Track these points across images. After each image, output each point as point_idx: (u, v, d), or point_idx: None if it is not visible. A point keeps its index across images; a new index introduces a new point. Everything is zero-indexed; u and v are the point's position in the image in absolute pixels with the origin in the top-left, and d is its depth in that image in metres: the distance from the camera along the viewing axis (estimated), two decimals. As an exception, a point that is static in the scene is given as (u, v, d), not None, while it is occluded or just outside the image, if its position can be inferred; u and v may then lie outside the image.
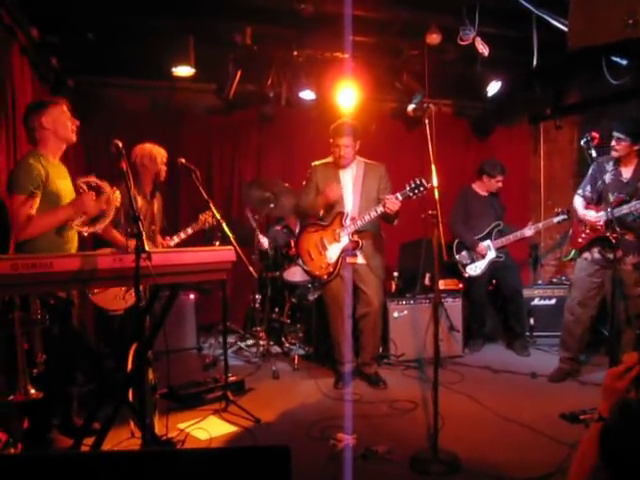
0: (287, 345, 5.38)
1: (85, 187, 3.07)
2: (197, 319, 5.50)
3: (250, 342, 5.58)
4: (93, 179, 3.13)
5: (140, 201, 4.07)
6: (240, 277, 5.83)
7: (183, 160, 3.81)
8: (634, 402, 1.49)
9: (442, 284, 5.27)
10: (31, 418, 3.01)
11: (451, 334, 5.16)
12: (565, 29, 3.38)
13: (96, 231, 3.17)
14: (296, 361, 4.87)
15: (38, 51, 4.28)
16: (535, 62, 4.46)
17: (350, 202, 4.33)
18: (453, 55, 5.46)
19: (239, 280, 6.01)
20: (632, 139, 4.06)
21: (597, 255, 4.27)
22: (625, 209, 3.99)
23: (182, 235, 4.38)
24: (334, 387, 4.36)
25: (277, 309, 5.59)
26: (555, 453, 3.10)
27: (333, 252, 4.31)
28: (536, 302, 5.70)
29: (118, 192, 3.19)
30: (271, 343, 5.34)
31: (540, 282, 6.51)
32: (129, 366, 3.01)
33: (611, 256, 4.05)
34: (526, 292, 5.65)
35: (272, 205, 5.26)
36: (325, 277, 4.34)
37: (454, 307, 5.22)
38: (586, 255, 4.34)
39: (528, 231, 5.29)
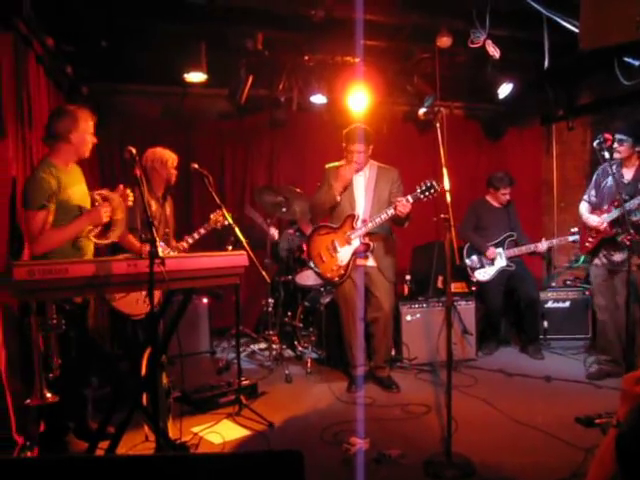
0: (300, 349, 5.39)
1: (100, 199, 3.12)
2: (210, 323, 5.53)
3: (263, 346, 5.60)
4: (106, 192, 3.19)
5: (154, 205, 4.11)
6: (253, 281, 5.86)
7: (196, 165, 3.84)
8: None
9: (455, 287, 5.26)
10: (47, 422, 3.04)
11: (464, 337, 5.14)
12: (576, 30, 3.37)
13: (111, 241, 3.23)
14: (309, 365, 4.88)
15: (53, 60, 4.33)
16: (547, 63, 4.44)
17: (362, 205, 4.33)
18: (464, 58, 5.46)
19: (252, 284, 6.03)
20: (633, 141, 4.16)
21: (604, 259, 4.40)
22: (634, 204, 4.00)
23: (195, 236, 4.37)
24: (347, 391, 4.36)
25: (290, 313, 5.60)
26: (570, 458, 3.07)
27: (344, 254, 4.31)
28: (550, 305, 5.66)
29: (130, 191, 3.23)
30: (284, 347, 5.35)
31: (554, 285, 6.46)
32: (143, 370, 3.04)
33: (616, 259, 4.19)
34: (540, 295, 5.61)
35: (284, 209, 5.28)
36: (336, 279, 4.35)
37: (467, 310, 5.19)
38: (596, 261, 4.47)
39: (541, 246, 5.26)
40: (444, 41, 4.92)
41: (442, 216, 3.16)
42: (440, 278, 5.48)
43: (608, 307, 4.48)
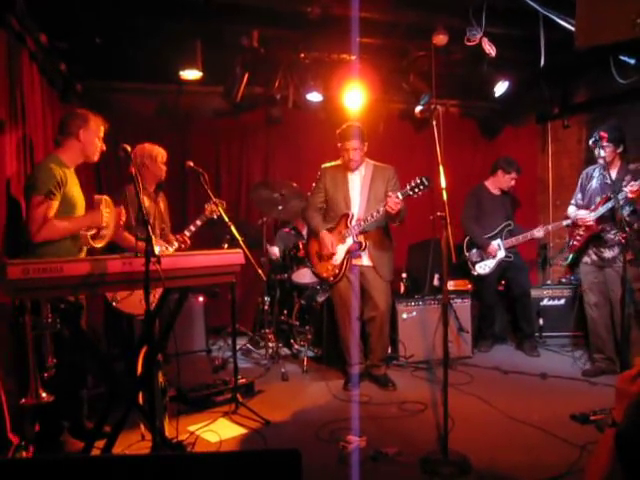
0: (296, 347, 5.39)
1: (104, 202, 3.14)
2: (206, 322, 5.52)
3: (259, 344, 5.59)
4: (105, 197, 3.20)
5: (146, 201, 4.09)
6: (249, 279, 5.85)
7: (191, 163, 3.82)
8: None
9: (451, 285, 5.27)
10: (42, 421, 3.03)
11: (460, 335, 5.15)
12: (572, 28, 3.36)
13: (100, 247, 3.25)
14: (305, 363, 4.88)
15: (47, 57, 4.30)
16: (542, 62, 4.44)
17: (357, 204, 4.33)
18: (460, 56, 5.45)
19: (248, 282, 6.02)
20: (615, 144, 4.28)
21: (594, 257, 4.48)
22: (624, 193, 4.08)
23: (192, 228, 4.30)
24: (343, 389, 4.36)
25: (286, 311, 5.60)
26: (566, 454, 3.09)
27: (339, 254, 4.31)
28: (545, 302, 5.68)
29: (123, 212, 3.28)
30: (280, 345, 5.35)
31: (549, 282, 6.48)
32: (139, 369, 3.03)
33: (607, 255, 4.26)
34: (535, 292, 5.63)
35: (280, 207, 5.27)
36: (331, 279, 4.35)
37: (463, 308, 5.21)
38: (585, 259, 4.56)
39: (537, 232, 5.28)
40: (440, 39, 4.92)
41: (438, 214, 3.16)
42: (436, 276, 5.48)
43: (599, 304, 4.54)
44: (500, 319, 5.78)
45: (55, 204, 3.03)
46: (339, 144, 4.36)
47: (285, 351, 5.45)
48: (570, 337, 5.53)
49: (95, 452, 2.84)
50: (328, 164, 4.48)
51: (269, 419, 3.68)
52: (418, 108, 6.13)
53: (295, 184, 5.34)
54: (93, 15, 4.44)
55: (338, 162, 4.44)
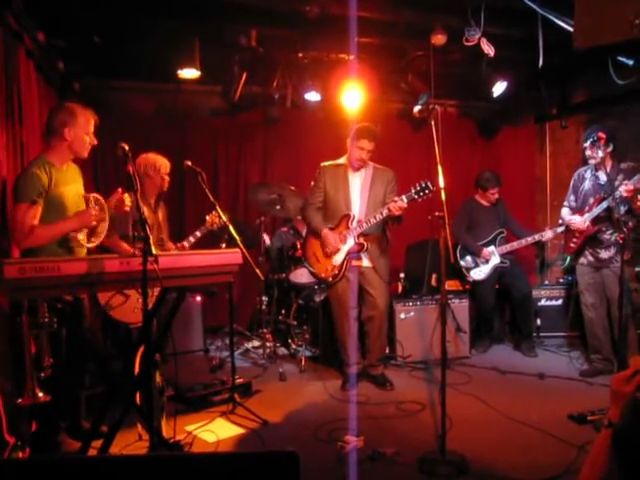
0: (294, 347, 5.38)
1: (93, 201, 3.08)
2: (204, 321, 5.51)
3: (257, 344, 5.59)
4: (96, 195, 3.14)
5: (146, 211, 4.09)
6: (247, 279, 5.85)
7: (189, 163, 3.81)
8: None
9: (448, 285, 5.26)
10: (39, 421, 3.02)
11: (458, 335, 5.15)
12: (571, 29, 3.37)
13: (97, 244, 3.20)
14: (303, 363, 4.87)
15: (44, 55, 4.29)
16: (541, 62, 4.44)
17: (357, 205, 4.32)
18: (458, 56, 5.45)
19: (246, 282, 6.02)
20: (606, 143, 4.28)
21: (590, 257, 4.50)
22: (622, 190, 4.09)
23: (191, 239, 4.37)
24: (341, 389, 4.35)
25: (283, 311, 5.59)
26: (563, 454, 3.09)
27: (339, 254, 4.31)
28: (543, 303, 5.68)
29: (127, 196, 3.21)
30: (278, 345, 5.34)
31: (547, 283, 6.48)
32: (136, 369, 3.02)
33: (603, 256, 4.30)
34: (533, 293, 5.62)
35: (278, 207, 5.26)
36: (330, 279, 4.35)
37: (461, 308, 5.21)
38: (582, 260, 4.58)
39: (547, 235, 5.24)
40: (439, 39, 4.92)
41: (437, 214, 3.15)
42: (434, 276, 5.48)
43: (595, 305, 4.55)
44: (498, 319, 5.78)
45: (39, 210, 2.96)
46: (350, 140, 4.31)
47: (283, 351, 5.44)
48: (568, 337, 5.53)
49: (92, 452, 2.84)
50: (327, 163, 4.46)
51: (267, 419, 3.67)
52: (416, 108, 6.14)
53: (292, 187, 5.33)
54: (91, 13, 4.43)
55: (338, 161, 4.43)
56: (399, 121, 6.85)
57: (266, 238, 5.57)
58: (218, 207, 3.82)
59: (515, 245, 5.34)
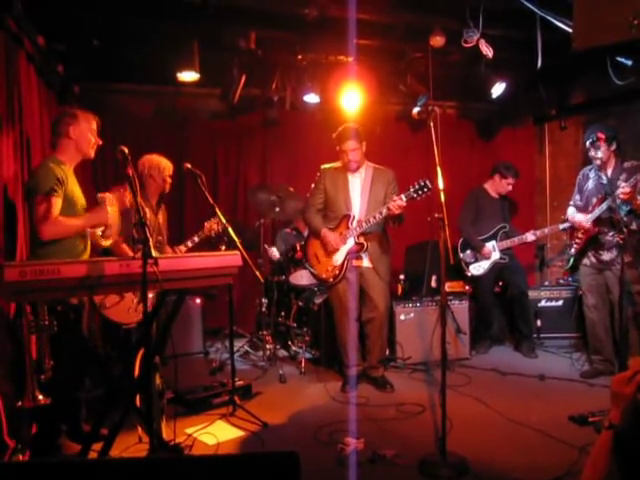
0: (294, 349, 5.37)
1: (107, 200, 3.13)
2: (204, 323, 5.51)
3: (257, 346, 5.58)
4: (108, 194, 3.20)
5: (148, 213, 4.11)
6: (247, 281, 5.85)
7: (189, 165, 3.82)
8: None
9: (448, 286, 5.26)
10: (39, 424, 3.02)
11: (458, 336, 5.15)
12: (569, 30, 3.37)
13: (112, 242, 3.30)
14: (303, 365, 4.87)
15: (44, 59, 4.29)
16: (539, 63, 4.44)
17: (358, 206, 4.33)
18: (457, 57, 5.46)
19: (246, 284, 6.01)
20: (608, 142, 4.28)
21: (593, 259, 4.50)
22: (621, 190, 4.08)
23: (189, 244, 4.42)
24: (341, 391, 4.35)
25: (283, 313, 5.59)
26: (564, 456, 3.08)
27: (339, 255, 4.31)
28: (543, 304, 5.68)
29: (128, 192, 3.20)
30: (278, 347, 5.34)
31: (547, 283, 6.48)
32: (136, 372, 3.01)
33: (605, 258, 4.31)
34: (533, 294, 5.63)
35: (277, 209, 5.26)
36: (331, 280, 4.35)
37: (461, 309, 5.21)
38: (585, 261, 4.57)
39: (530, 236, 5.30)
40: (437, 40, 4.92)
41: (436, 215, 3.15)
42: (434, 277, 5.48)
43: (597, 306, 4.55)
44: (498, 320, 5.78)
45: (59, 201, 3.03)
46: (337, 147, 4.36)
47: (283, 353, 5.44)
48: (568, 338, 5.53)
49: (92, 455, 2.83)
50: (327, 165, 4.47)
51: (267, 421, 3.66)
52: (415, 109, 6.14)
53: (291, 188, 5.34)
54: (91, 17, 4.44)
55: (338, 164, 4.44)
56: (398, 123, 6.85)
57: (275, 251, 5.58)
58: (217, 210, 3.81)
59: (516, 241, 5.34)
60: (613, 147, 4.33)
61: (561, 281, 6.16)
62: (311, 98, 5.86)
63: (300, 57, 5.46)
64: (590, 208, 4.44)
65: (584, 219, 4.44)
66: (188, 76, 5.07)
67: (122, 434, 3.00)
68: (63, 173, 3.09)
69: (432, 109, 3.48)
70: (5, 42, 3.43)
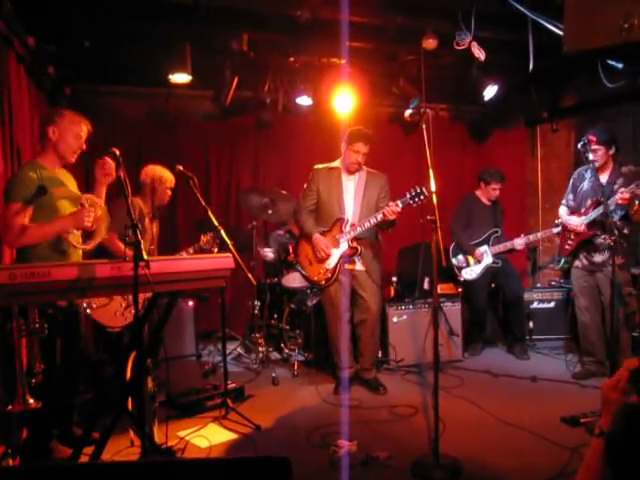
0: (286, 351, 5.36)
1: (87, 203, 3.04)
2: (196, 326, 5.48)
3: (249, 349, 5.56)
4: (92, 197, 3.10)
5: (146, 218, 4.11)
6: (239, 283, 5.83)
7: (181, 167, 3.82)
8: (638, 405, 1.49)
9: (441, 288, 5.27)
10: (30, 428, 2.99)
11: (451, 338, 5.16)
12: (561, 33, 3.39)
13: (91, 248, 3.17)
14: (295, 367, 4.86)
15: (35, 60, 4.27)
16: (531, 66, 4.46)
17: (351, 209, 4.33)
18: (449, 60, 5.47)
19: (238, 286, 6.00)
20: (607, 146, 4.28)
21: (584, 261, 4.51)
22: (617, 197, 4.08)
23: (184, 255, 4.38)
24: (334, 393, 4.34)
25: (276, 315, 5.58)
26: (556, 457, 3.09)
27: (332, 258, 4.31)
28: (535, 305, 5.70)
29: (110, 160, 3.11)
30: (270, 349, 5.33)
31: (539, 285, 6.51)
32: (128, 374, 3.00)
33: (597, 260, 4.31)
34: (525, 295, 5.64)
35: (270, 211, 5.25)
36: (323, 283, 4.34)
37: (453, 311, 5.21)
38: (577, 263, 4.58)
39: (518, 244, 5.30)
40: (429, 43, 4.94)
41: (428, 218, 3.16)
42: (426, 279, 5.49)
43: (589, 308, 4.56)
44: (490, 322, 5.79)
45: (29, 210, 2.92)
46: (345, 145, 4.32)
47: (275, 355, 5.43)
48: (560, 340, 5.55)
49: (84, 459, 2.82)
50: (320, 165, 4.47)
51: (259, 424, 3.65)
52: (408, 112, 6.17)
53: (284, 191, 5.33)
54: (82, 18, 4.42)
55: (332, 164, 4.44)
56: (390, 125, 6.87)
57: (268, 252, 5.56)
58: (210, 212, 3.81)
59: (501, 248, 5.36)
60: (612, 151, 4.31)
61: (553, 283, 6.18)
62: (303, 100, 5.86)
63: (292, 59, 5.46)
64: (584, 210, 4.45)
65: (579, 222, 4.43)
66: (180, 78, 5.06)
67: (114, 437, 2.99)
68: (39, 179, 2.95)
69: (424, 111, 3.49)
70: (-5, 43, 3.41)
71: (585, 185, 4.51)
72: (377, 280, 4.39)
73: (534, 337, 5.65)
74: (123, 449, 3.23)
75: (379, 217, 4.07)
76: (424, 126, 3.34)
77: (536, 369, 4.82)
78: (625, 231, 4.23)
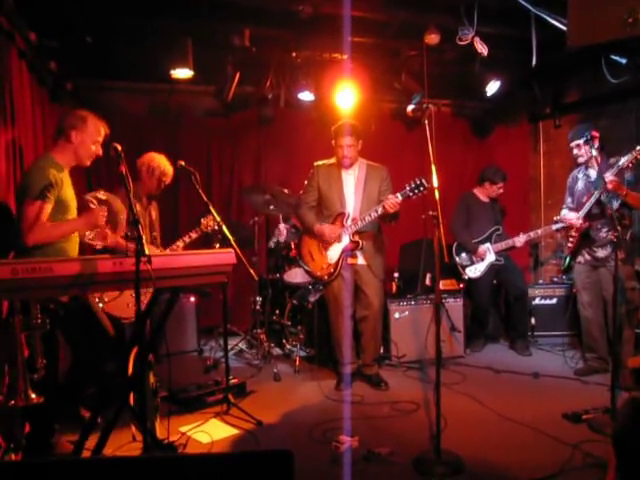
0: (288, 347, 5.37)
1: (95, 202, 3.06)
2: (198, 321, 5.50)
3: (251, 344, 5.57)
4: (102, 193, 3.14)
5: (137, 207, 4.08)
6: (241, 279, 5.83)
7: (182, 163, 3.81)
8: None
9: (443, 284, 5.27)
10: (33, 423, 3.00)
11: (452, 334, 5.15)
12: (564, 28, 3.37)
13: (111, 243, 3.21)
14: (297, 363, 4.86)
15: (36, 55, 4.26)
16: (534, 61, 4.45)
17: (352, 203, 4.32)
18: (452, 55, 5.46)
19: (240, 282, 6.00)
20: (584, 142, 4.29)
21: (587, 256, 4.50)
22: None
23: (186, 239, 4.40)
24: (335, 389, 4.35)
25: (278, 311, 5.59)
26: (558, 453, 3.09)
27: (334, 252, 4.30)
28: (537, 302, 5.69)
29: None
30: (272, 345, 5.33)
31: (541, 281, 6.50)
32: (130, 370, 3.00)
33: (600, 255, 4.31)
34: (527, 288, 5.63)
35: (272, 207, 5.25)
36: (326, 278, 4.34)
37: (455, 307, 5.21)
38: (579, 259, 4.57)
39: (518, 242, 5.28)
40: (432, 38, 4.92)
41: (430, 213, 3.15)
42: (428, 275, 5.48)
43: (592, 304, 4.54)
44: (492, 319, 5.79)
45: (48, 207, 2.96)
46: (333, 141, 4.35)
47: (277, 351, 5.43)
48: (562, 336, 5.54)
49: (86, 454, 2.82)
50: (321, 162, 4.46)
51: (261, 419, 3.66)
52: (410, 107, 6.14)
53: (286, 188, 5.32)
54: (84, 13, 4.41)
55: (331, 160, 4.43)
56: (393, 121, 6.85)
57: (283, 229, 5.51)
58: (211, 207, 3.80)
59: (510, 243, 5.34)
60: (590, 145, 4.22)
61: (555, 279, 6.17)
62: (306, 96, 5.85)
63: (294, 54, 5.45)
64: (581, 206, 4.44)
65: (574, 216, 4.45)
66: (182, 73, 5.05)
67: (115, 432, 2.98)
68: (58, 176, 3.01)
69: (427, 107, 3.46)
70: (-4, 38, 3.40)
71: (579, 185, 4.53)
72: (380, 275, 4.38)
73: (536, 333, 5.64)
74: (125, 444, 3.23)
75: (379, 210, 4.06)
76: (426, 122, 3.32)
77: (538, 365, 4.82)
78: (626, 221, 4.20)
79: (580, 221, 4.40)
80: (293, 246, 5.33)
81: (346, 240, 4.27)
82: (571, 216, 4.49)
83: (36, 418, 2.96)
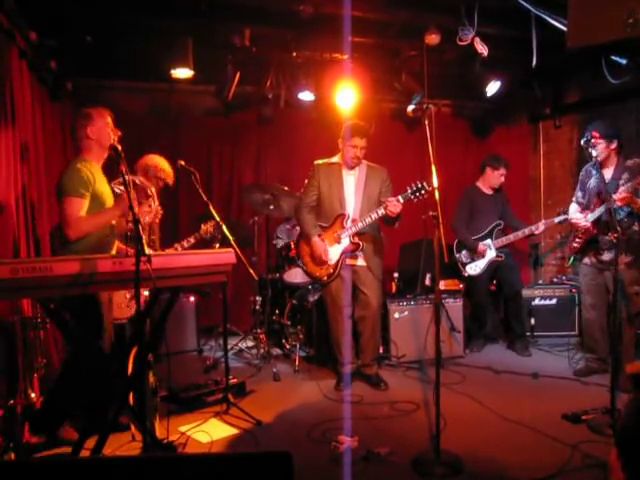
0: (288, 347, 5.37)
1: (122, 188, 3.12)
2: (197, 321, 5.50)
3: (251, 344, 5.57)
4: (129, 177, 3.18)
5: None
6: (241, 279, 5.83)
7: (182, 162, 3.81)
8: None
9: (443, 285, 5.27)
10: (46, 401, 3.00)
11: (452, 335, 5.16)
12: (564, 28, 3.37)
13: (150, 221, 3.44)
14: (297, 363, 4.86)
15: (37, 54, 4.27)
16: (534, 62, 4.45)
17: (352, 204, 4.32)
18: (452, 55, 5.46)
19: (240, 282, 6.00)
20: (607, 140, 4.21)
21: (593, 259, 4.42)
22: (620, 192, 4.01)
23: (185, 244, 4.40)
24: (335, 389, 4.35)
25: (277, 311, 5.59)
26: (557, 454, 3.09)
27: (333, 254, 4.30)
28: (537, 302, 5.69)
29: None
30: (272, 345, 5.33)
31: (541, 282, 6.50)
32: (130, 369, 3.00)
33: (605, 258, 4.25)
34: (527, 292, 5.64)
35: (272, 207, 5.25)
36: (325, 278, 4.34)
37: (455, 308, 5.21)
38: (585, 260, 4.50)
39: (539, 227, 5.24)
40: (432, 38, 4.92)
41: (431, 213, 3.15)
42: (428, 276, 5.48)
43: (595, 306, 4.50)
44: (492, 319, 5.78)
45: (85, 202, 3.09)
46: (344, 140, 4.30)
47: (277, 351, 5.43)
48: (562, 337, 5.54)
49: (85, 453, 2.82)
50: (321, 161, 4.45)
51: (261, 419, 3.66)
52: (410, 107, 6.12)
53: (286, 187, 5.32)
54: (83, 13, 4.41)
55: (332, 159, 4.42)
56: (393, 121, 6.86)
57: (292, 229, 5.51)
58: (211, 207, 3.80)
59: (511, 238, 5.33)
60: (613, 145, 4.23)
61: (555, 280, 6.17)
62: (306, 96, 5.85)
63: (295, 54, 5.45)
64: (592, 207, 4.34)
65: (582, 218, 4.35)
66: (182, 73, 5.05)
67: (115, 432, 2.99)
68: (90, 172, 3.13)
69: (427, 107, 3.46)
70: (-3, 37, 3.41)
71: (592, 182, 4.40)
72: (378, 276, 4.38)
73: (536, 334, 5.64)
74: (124, 444, 3.23)
75: (380, 212, 4.06)
76: (426, 122, 3.32)
77: (538, 366, 4.82)
78: (635, 227, 4.17)
79: (588, 224, 4.30)
80: (293, 246, 5.33)
81: (346, 242, 4.27)
82: (579, 217, 4.39)
83: (53, 398, 2.98)
